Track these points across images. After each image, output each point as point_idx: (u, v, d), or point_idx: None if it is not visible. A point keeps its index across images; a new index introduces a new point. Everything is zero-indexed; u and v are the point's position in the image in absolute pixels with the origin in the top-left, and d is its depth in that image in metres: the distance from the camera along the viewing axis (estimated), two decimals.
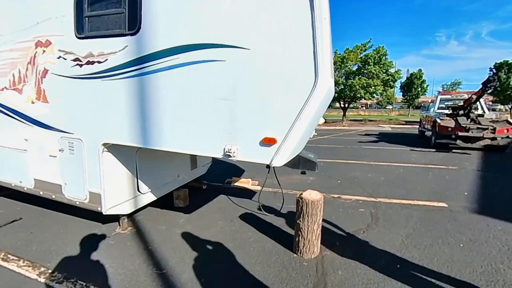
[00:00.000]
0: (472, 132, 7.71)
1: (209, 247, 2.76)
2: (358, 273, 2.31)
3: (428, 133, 10.30)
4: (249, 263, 2.49)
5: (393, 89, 26.60)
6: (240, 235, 3.01)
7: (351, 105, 24.95)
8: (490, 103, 28.04)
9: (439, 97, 11.51)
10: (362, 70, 19.76)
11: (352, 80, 19.58)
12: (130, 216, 3.31)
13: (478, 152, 7.96)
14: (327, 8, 1.94)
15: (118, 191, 2.96)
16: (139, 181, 3.14)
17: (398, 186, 4.75)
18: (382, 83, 19.53)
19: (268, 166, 2.23)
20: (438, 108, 10.63)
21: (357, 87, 19.00)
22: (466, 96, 9.70)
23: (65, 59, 2.76)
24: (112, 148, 2.79)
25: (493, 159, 7.02)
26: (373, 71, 19.06)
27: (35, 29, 2.91)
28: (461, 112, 8.49)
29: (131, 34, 2.42)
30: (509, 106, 24.86)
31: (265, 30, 2.02)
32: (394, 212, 3.60)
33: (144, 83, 2.42)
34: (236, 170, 5.69)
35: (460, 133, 7.76)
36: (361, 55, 20.03)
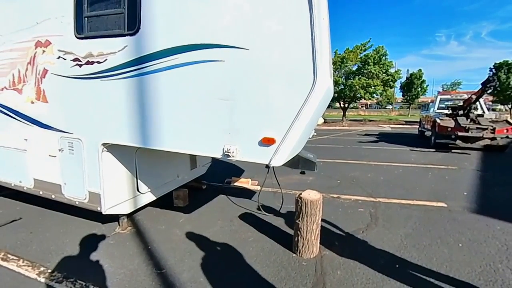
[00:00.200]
0: (471, 132, 7.71)
1: (209, 247, 2.77)
2: (357, 273, 2.31)
3: (428, 133, 10.31)
4: (248, 262, 2.49)
5: (393, 89, 26.62)
6: (240, 235, 3.01)
7: (351, 105, 24.95)
8: (490, 103, 28.03)
9: (439, 97, 11.52)
10: (362, 70, 19.77)
11: (352, 80, 19.59)
12: (130, 216, 3.32)
13: (478, 152, 7.97)
14: (326, 8, 1.94)
15: (118, 191, 2.96)
16: (138, 181, 3.14)
17: (397, 186, 4.75)
18: (382, 83, 19.54)
19: (267, 166, 2.23)
20: (437, 108, 10.64)
21: (357, 87, 19.01)
22: (465, 96, 9.71)
23: (64, 59, 2.76)
24: (112, 148, 2.80)
25: (493, 159, 7.03)
26: (373, 71, 19.07)
27: (35, 29, 2.92)
28: (461, 112, 8.50)
29: (131, 34, 2.42)
30: (509, 106, 24.87)
31: (264, 30, 2.03)
32: (394, 212, 3.60)
33: (144, 83, 2.43)
34: (236, 170, 5.70)
35: (459, 133, 7.77)
36: (361, 55, 20.03)
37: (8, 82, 3.22)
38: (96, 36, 2.59)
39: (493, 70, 24.28)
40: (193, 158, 4.03)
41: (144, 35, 2.38)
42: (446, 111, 9.30)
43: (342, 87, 20.23)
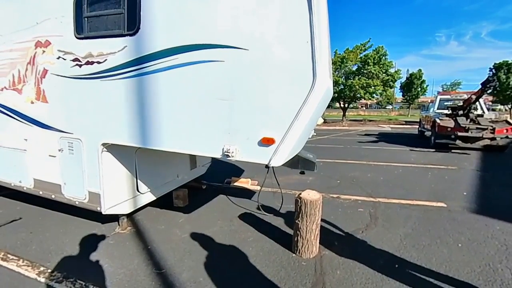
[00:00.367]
0: (471, 132, 7.71)
1: (208, 246, 2.77)
2: (356, 273, 2.32)
3: (428, 133, 10.31)
4: (248, 262, 2.49)
5: (393, 89, 26.62)
6: (239, 234, 3.02)
7: (351, 105, 24.96)
8: (490, 103, 28.05)
9: (439, 97, 11.52)
10: (362, 70, 19.78)
11: (352, 80, 19.60)
12: (130, 216, 3.32)
13: (478, 152, 7.97)
14: (325, 8, 1.95)
15: (118, 191, 2.96)
16: (138, 181, 3.14)
17: (397, 186, 4.76)
18: (382, 83, 19.54)
19: (267, 166, 2.23)
20: (437, 108, 10.64)
21: (357, 87, 19.01)
22: (465, 96, 9.71)
23: (64, 59, 2.77)
24: (112, 148, 2.80)
25: (492, 159, 7.03)
26: (373, 71, 19.08)
27: (35, 29, 2.92)
28: (461, 112, 8.50)
29: (130, 35, 2.43)
30: (509, 106, 24.88)
31: (264, 31, 2.03)
32: (393, 212, 3.61)
33: (143, 83, 2.43)
34: (236, 170, 5.70)
35: (459, 133, 7.77)
36: (361, 55, 20.03)
37: (8, 82, 3.23)
38: (96, 36, 2.59)
39: (493, 70, 24.29)
40: (193, 158, 4.03)
41: (144, 35, 2.39)
42: (446, 111, 9.31)
43: (342, 87, 20.24)
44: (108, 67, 2.56)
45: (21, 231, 3.13)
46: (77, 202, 3.02)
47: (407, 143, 9.98)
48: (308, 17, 1.91)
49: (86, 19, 2.61)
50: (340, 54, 20.28)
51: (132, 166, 3.06)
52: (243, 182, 4.84)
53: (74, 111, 2.88)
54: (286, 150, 2.09)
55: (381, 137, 12.34)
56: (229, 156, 2.20)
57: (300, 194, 2.56)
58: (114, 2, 2.49)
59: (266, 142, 2.11)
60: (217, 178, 5.01)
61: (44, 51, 2.89)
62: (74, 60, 2.71)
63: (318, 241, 2.63)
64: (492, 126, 7.66)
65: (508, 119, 8.20)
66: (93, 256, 2.61)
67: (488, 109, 10.33)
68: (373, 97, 21.34)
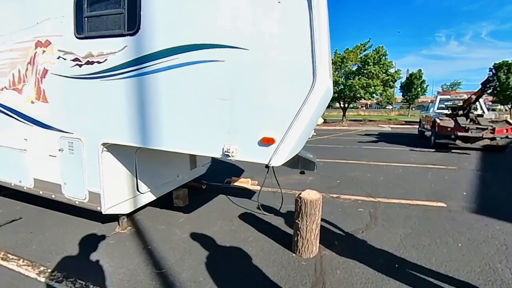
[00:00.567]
0: (471, 132, 7.71)
1: (208, 246, 2.77)
2: (356, 273, 2.32)
3: (428, 133, 10.31)
4: (248, 262, 2.49)
5: (393, 89, 26.60)
6: (239, 234, 3.02)
7: (351, 105, 24.95)
8: (490, 103, 28.05)
9: (439, 97, 11.52)
10: (362, 70, 19.77)
11: (352, 80, 19.59)
12: (130, 215, 3.32)
13: (477, 152, 7.97)
14: (325, 8, 1.95)
15: (118, 191, 2.96)
16: (138, 180, 3.14)
17: (397, 186, 4.76)
18: (382, 83, 19.54)
19: (267, 166, 2.24)
20: (437, 108, 10.64)
21: (357, 87, 19.01)
22: (465, 96, 9.71)
23: (64, 59, 2.77)
24: (112, 148, 2.80)
25: (492, 159, 7.03)
26: (372, 71, 19.07)
27: (35, 29, 2.92)
28: (461, 112, 8.49)
29: (130, 35, 2.43)
30: (509, 106, 24.88)
31: (264, 31, 2.03)
32: (393, 212, 3.61)
33: (144, 83, 2.43)
34: (236, 170, 5.70)
35: (459, 133, 7.77)
36: (361, 55, 20.03)
37: (8, 82, 3.23)
38: (96, 36, 2.59)
39: (493, 70, 24.28)
40: (193, 158, 4.03)
41: (144, 35, 2.39)
42: (445, 111, 9.31)
43: (342, 87, 20.23)
44: (108, 67, 2.56)
45: (21, 231, 3.14)
46: (77, 202, 3.02)
47: (407, 143, 9.98)
48: (308, 17, 1.91)
49: (86, 19, 2.61)
50: (340, 54, 20.28)
51: (132, 166, 3.06)
52: (243, 182, 4.84)
53: (74, 111, 2.88)
54: (286, 150, 2.09)
55: (381, 137, 12.34)
56: (229, 156, 2.20)
57: (300, 194, 2.56)
58: (114, 2, 2.49)
59: (266, 142, 2.11)
60: (217, 178, 5.01)
61: (44, 51, 2.89)
62: (74, 60, 2.71)
63: (318, 241, 2.63)
64: (492, 126, 7.66)
65: (508, 119, 8.19)
66: (93, 256, 2.62)
67: (488, 109, 10.32)
68: (373, 97, 21.33)
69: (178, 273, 2.33)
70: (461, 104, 8.73)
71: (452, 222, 3.28)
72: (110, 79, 2.57)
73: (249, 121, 2.16)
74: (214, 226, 3.20)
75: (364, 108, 51.79)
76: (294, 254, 2.60)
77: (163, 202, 3.67)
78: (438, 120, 8.47)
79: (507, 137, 7.70)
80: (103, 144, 2.74)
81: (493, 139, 7.72)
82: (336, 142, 10.78)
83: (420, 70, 31.03)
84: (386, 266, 2.39)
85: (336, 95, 20.34)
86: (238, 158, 2.22)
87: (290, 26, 1.99)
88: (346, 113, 23.13)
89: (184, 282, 2.22)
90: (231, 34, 2.11)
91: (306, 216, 2.47)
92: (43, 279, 2.27)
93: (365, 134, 13.87)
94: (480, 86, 7.82)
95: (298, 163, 3.37)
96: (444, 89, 47.99)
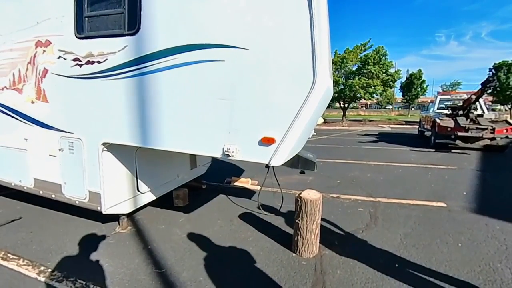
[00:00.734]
0: (471, 132, 7.72)
1: (208, 246, 2.77)
2: (356, 272, 2.32)
3: (428, 133, 10.31)
4: (248, 262, 2.50)
5: (393, 89, 26.60)
6: (239, 234, 3.02)
7: (351, 105, 24.94)
8: (490, 103, 28.03)
9: (439, 97, 11.53)
10: (362, 70, 19.77)
11: (352, 80, 19.59)
12: (130, 215, 3.32)
13: (477, 152, 7.97)
14: (325, 8, 1.95)
15: (118, 191, 2.97)
16: (138, 180, 3.14)
17: (397, 186, 4.76)
18: (382, 83, 19.53)
19: (267, 166, 2.24)
20: (437, 108, 10.65)
21: (357, 87, 19.01)
22: (465, 96, 9.71)
23: (65, 59, 2.77)
24: (112, 148, 2.80)
25: (492, 159, 7.03)
26: (373, 71, 19.07)
27: (35, 29, 2.92)
28: (461, 112, 8.50)
29: (131, 34, 2.43)
30: (509, 106, 24.87)
31: (264, 30, 2.03)
32: (393, 211, 3.61)
33: (144, 83, 2.43)
34: (236, 170, 5.70)
35: (459, 133, 7.77)
36: (361, 55, 20.02)
37: (9, 82, 3.23)
38: (96, 36, 2.59)
39: (493, 70, 24.27)
40: (193, 158, 4.03)
41: (144, 35, 2.39)
42: (445, 111, 9.31)
43: (342, 87, 20.23)
44: (108, 66, 2.56)
45: (21, 231, 3.14)
46: (77, 202, 3.02)
47: (407, 143, 9.98)
48: (308, 16, 1.91)
49: (86, 18, 2.61)
50: (340, 54, 20.26)
51: (133, 165, 3.06)
52: (243, 182, 4.84)
53: (74, 111, 2.88)
54: (286, 150, 2.10)
55: (381, 137, 12.34)
56: (229, 156, 2.20)
57: (300, 193, 2.56)
58: (115, 1, 2.49)
59: (266, 141, 2.11)
60: (217, 177, 5.01)
61: (44, 51, 2.89)
62: (74, 59, 2.71)
63: (318, 240, 2.63)
64: (492, 126, 7.66)
65: (508, 119, 8.20)
66: (93, 256, 2.62)
67: (488, 109, 10.32)
68: (373, 97, 21.33)
69: (178, 273, 2.34)
70: (461, 104, 8.73)
71: (452, 222, 3.28)
72: (111, 79, 2.57)
73: (249, 121, 2.16)
74: (214, 226, 3.21)
75: (364, 108, 51.77)
76: (294, 254, 2.60)
77: (163, 202, 3.67)
78: (438, 120, 8.47)
79: (507, 137, 7.70)
80: (103, 144, 2.74)
81: (493, 139, 7.72)
82: (336, 142, 10.78)
83: (420, 70, 31.02)
84: (386, 266, 2.39)
85: (336, 95, 20.33)
86: (238, 158, 2.22)
87: (290, 26, 1.99)
88: (346, 113, 23.12)
89: (184, 282, 2.22)
90: (231, 34, 2.11)
91: (306, 216, 2.47)
92: (43, 279, 2.27)
93: (365, 134, 13.87)
94: (480, 86, 7.83)
95: (298, 163, 3.37)
96: (444, 89, 47.96)
